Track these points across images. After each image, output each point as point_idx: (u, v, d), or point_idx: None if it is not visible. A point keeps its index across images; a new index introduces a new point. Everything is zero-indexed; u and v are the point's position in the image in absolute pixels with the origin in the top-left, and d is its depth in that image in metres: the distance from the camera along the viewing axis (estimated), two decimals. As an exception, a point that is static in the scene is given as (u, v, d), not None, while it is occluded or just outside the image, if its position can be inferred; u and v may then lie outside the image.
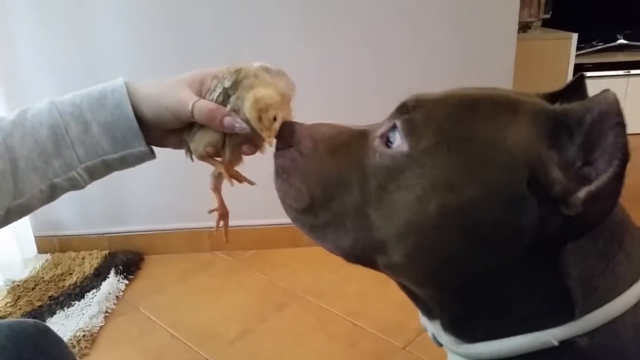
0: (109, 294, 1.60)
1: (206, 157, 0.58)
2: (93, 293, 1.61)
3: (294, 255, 1.83)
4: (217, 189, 0.61)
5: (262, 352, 1.36)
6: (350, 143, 0.45)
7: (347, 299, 1.57)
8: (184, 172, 1.86)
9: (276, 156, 0.50)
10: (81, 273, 1.72)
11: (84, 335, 1.41)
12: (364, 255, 0.44)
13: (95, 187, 1.97)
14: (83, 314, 1.51)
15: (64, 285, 1.66)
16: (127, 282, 1.70)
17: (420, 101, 0.41)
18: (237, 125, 0.54)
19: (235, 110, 0.54)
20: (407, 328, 1.41)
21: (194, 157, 0.59)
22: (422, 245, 0.39)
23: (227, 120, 0.54)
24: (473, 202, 0.36)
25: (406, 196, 0.38)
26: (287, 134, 0.49)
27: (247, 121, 0.53)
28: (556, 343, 0.36)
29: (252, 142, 0.57)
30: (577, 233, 0.36)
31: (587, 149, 0.34)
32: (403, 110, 0.41)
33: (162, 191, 1.87)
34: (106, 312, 1.54)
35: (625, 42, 2.86)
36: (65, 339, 1.37)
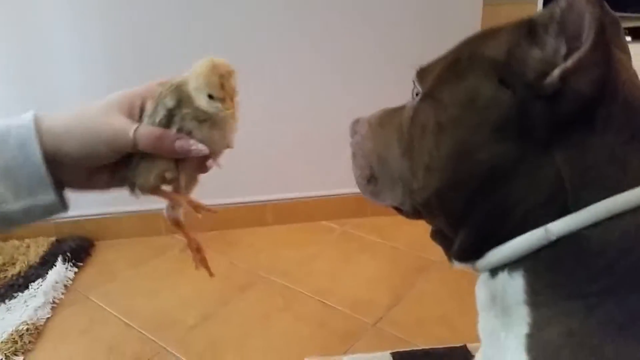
0: (56, 283, 1.47)
1: (158, 189, 0.50)
2: (38, 283, 1.48)
3: (256, 235, 1.75)
4: (178, 223, 0.54)
5: (225, 338, 1.27)
6: (394, 115, 0.51)
7: (313, 277, 1.50)
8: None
9: (350, 147, 0.57)
10: (25, 262, 1.59)
11: (27, 329, 1.28)
12: (410, 202, 0.48)
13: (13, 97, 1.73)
14: (27, 305, 1.38)
15: (5, 276, 1.53)
16: (76, 269, 1.58)
17: (428, 63, 0.48)
18: (193, 147, 0.47)
19: (183, 131, 0.47)
20: (377, 304, 1.37)
21: (138, 193, 0.51)
22: (446, 165, 0.42)
23: (179, 144, 0.47)
24: (462, 114, 0.40)
25: (424, 132, 0.44)
26: (353, 125, 0.58)
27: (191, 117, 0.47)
28: (553, 237, 0.36)
29: (207, 157, 0.50)
30: (567, 112, 0.36)
31: (568, 35, 0.35)
32: (416, 72, 0.48)
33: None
34: (53, 302, 1.41)
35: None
36: (5, 335, 1.26)
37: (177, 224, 0.54)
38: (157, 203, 1.77)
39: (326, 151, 1.79)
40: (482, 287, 0.44)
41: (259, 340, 1.26)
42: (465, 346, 1.19)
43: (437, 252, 0.50)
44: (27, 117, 0.47)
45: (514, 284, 0.39)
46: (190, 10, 1.61)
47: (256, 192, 1.81)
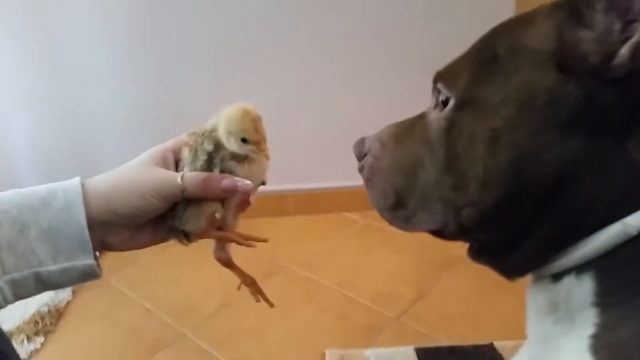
0: (78, 266, 1.47)
1: (208, 232, 0.52)
2: (60, 266, 1.48)
3: (278, 225, 1.73)
4: (229, 263, 0.56)
5: (245, 327, 1.26)
6: (413, 128, 0.47)
7: (335, 269, 1.48)
8: (162, 125, 1.78)
9: (360, 171, 0.51)
10: (47, 245, 1.59)
11: (49, 311, 1.29)
12: (457, 222, 0.43)
13: (61, 145, 1.83)
14: (48, 288, 1.38)
15: (27, 258, 1.53)
16: (98, 254, 1.57)
17: (448, 64, 0.44)
18: (239, 184, 0.49)
19: (224, 172, 0.50)
20: (400, 298, 1.33)
21: (190, 240, 0.53)
22: (506, 175, 0.38)
23: (226, 182, 0.49)
24: (520, 115, 0.37)
25: (471, 142, 0.39)
26: (358, 148, 0.53)
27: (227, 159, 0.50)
28: (633, 231, 0.34)
29: (248, 193, 0.52)
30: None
31: (618, 9, 0.32)
32: (438, 77, 0.44)
33: (136, 151, 1.73)
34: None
35: None
36: (27, 316, 1.26)
37: (228, 264, 0.56)
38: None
39: (349, 141, 1.75)
40: (540, 293, 0.41)
41: (279, 330, 1.24)
42: (492, 344, 1.15)
43: (462, 247, 0.48)
44: (74, 181, 0.48)
45: (582, 287, 0.37)
46: (212, 10, 1.59)
47: (277, 182, 1.79)
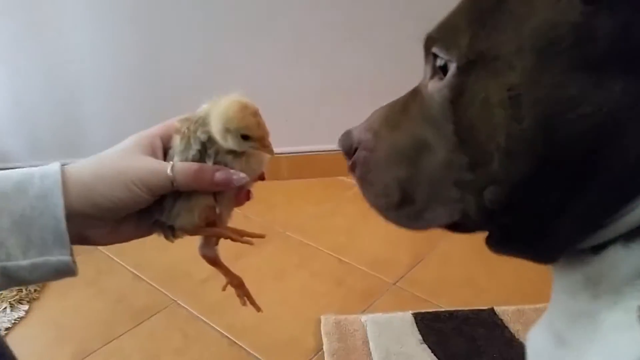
0: (63, 232, 1.42)
1: (201, 228, 0.48)
2: (44, 231, 1.43)
3: (271, 189, 1.67)
4: (216, 261, 0.52)
5: (238, 292, 1.22)
6: (407, 108, 0.41)
7: (331, 234, 1.43)
8: (144, 94, 1.73)
9: (351, 170, 0.44)
10: (31, 210, 1.54)
11: (32, 278, 1.24)
12: (479, 207, 0.36)
13: (45, 112, 1.77)
14: (33, 254, 1.33)
15: (11, 224, 1.48)
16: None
17: (441, 23, 0.37)
18: (234, 177, 0.45)
19: (219, 164, 0.46)
20: (398, 263, 1.30)
21: (177, 236, 0.48)
22: (534, 141, 0.32)
23: (219, 175, 0.45)
24: (542, 64, 0.31)
25: (486, 108, 0.33)
26: (345, 142, 0.44)
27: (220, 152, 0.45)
28: None
29: (243, 187, 0.48)
30: None
31: None
32: (430, 41, 0.38)
33: (124, 116, 1.67)
34: (60, 251, 1.36)
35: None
36: (10, 282, 1.22)
37: (214, 262, 0.52)
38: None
39: (346, 102, 1.69)
40: (575, 267, 0.36)
41: (274, 296, 1.20)
42: (492, 309, 1.12)
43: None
44: (52, 168, 0.43)
45: (631, 256, 0.32)
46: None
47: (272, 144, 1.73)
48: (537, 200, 0.34)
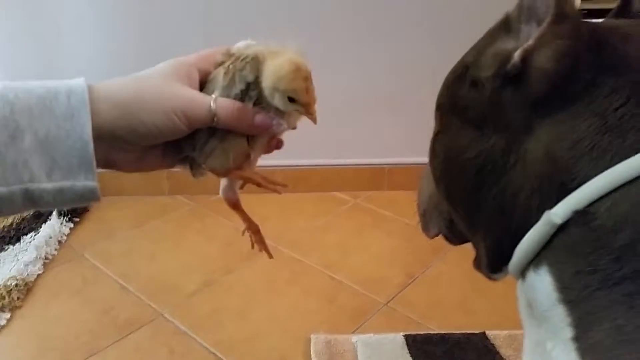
0: (50, 238, 1.39)
1: (231, 171, 0.47)
2: (31, 237, 1.40)
3: (265, 202, 1.65)
4: (236, 205, 0.52)
5: (227, 307, 1.19)
6: None
7: (323, 250, 1.42)
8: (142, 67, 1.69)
9: None
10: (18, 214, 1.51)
11: (16, 285, 1.21)
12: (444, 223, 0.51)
13: None
14: (17, 259, 1.31)
15: (-4, 227, 1.45)
16: (72, 225, 1.49)
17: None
18: (274, 122, 0.45)
19: (259, 107, 0.45)
20: (390, 282, 1.28)
21: (203, 174, 0.47)
22: (443, 173, 0.44)
23: (260, 118, 0.44)
24: (449, 118, 0.42)
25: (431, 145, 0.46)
26: None
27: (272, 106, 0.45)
28: (558, 221, 0.33)
29: (274, 135, 0.48)
30: (538, 91, 0.35)
31: (537, 19, 0.35)
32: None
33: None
34: (46, 258, 1.34)
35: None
36: (-6, 288, 1.18)
37: (235, 206, 0.51)
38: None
39: (343, 119, 1.68)
40: (519, 293, 0.40)
41: (263, 312, 1.18)
42: (484, 333, 1.10)
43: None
44: (78, 84, 0.40)
45: (543, 281, 0.35)
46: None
47: (265, 156, 1.71)
48: (462, 221, 0.44)
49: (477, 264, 0.45)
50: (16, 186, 0.37)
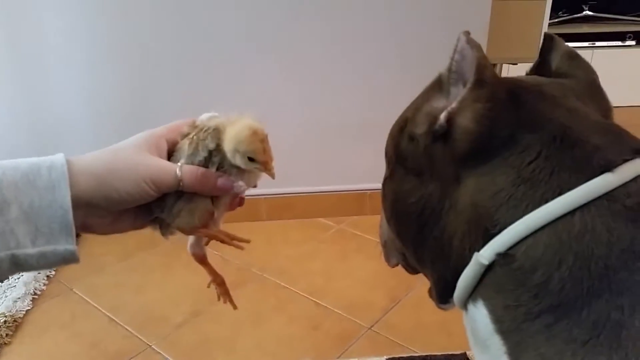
0: (38, 273, 1.41)
1: (197, 229, 0.51)
2: (19, 273, 1.41)
3: (250, 230, 1.68)
4: (204, 259, 0.56)
5: (215, 337, 1.22)
6: None
7: (308, 276, 1.45)
8: (127, 129, 1.72)
9: None
10: (6, 250, 1.52)
11: (5, 322, 1.22)
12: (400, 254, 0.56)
13: (25, 145, 1.76)
14: (6, 296, 1.32)
15: (-15, 265, 1.46)
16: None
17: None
18: (234, 185, 0.50)
19: (221, 171, 0.50)
20: (374, 307, 1.31)
21: (172, 233, 0.52)
22: (390, 214, 0.49)
23: (222, 181, 0.49)
24: (395, 167, 0.46)
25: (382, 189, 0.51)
26: None
27: (231, 166, 0.50)
28: (485, 261, 0.37)
29: (237, 194, 0.52)
30: (462, 147, 0.39)
31: (463, 81, 0.38)
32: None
33: (100, 135, 1.68)
34: (34, 293, 1.35)
35: (590, 13, 2.82)
36: (-18, 326, 1.20)
37: (202, 260, 0.55)
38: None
39: (325, 145, 1.73)
40: (465, 323, 0.43)
41: (250, 340, 1.21)
42: (465, 354, 1.14)
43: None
44: (59, 160, 0.45)
45: (481, 314, 0.38)
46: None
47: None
48: (410, 255, 0.48)
49: (430, 293, 0.48)
50: (3, 252, 0.42)
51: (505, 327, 0.36)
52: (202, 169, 0.48)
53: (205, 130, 0.49)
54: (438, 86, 0.41)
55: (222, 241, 0.53)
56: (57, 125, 1.66)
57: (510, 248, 0.36)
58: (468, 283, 0.39)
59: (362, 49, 1.65)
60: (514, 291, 0.36)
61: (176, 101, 1.66)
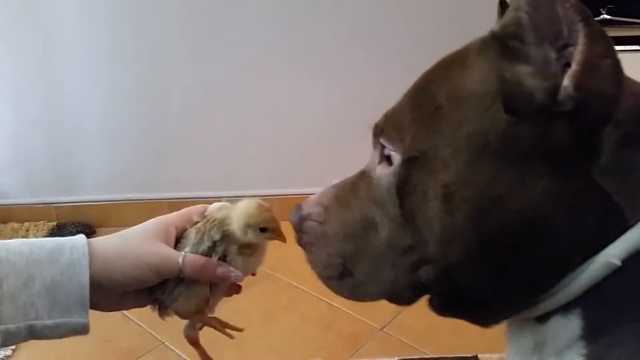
0: (54, 269, 1.43)
1: (192, 314, 0.54)
2: (35, 268, 1.44)
3: (262, 230, 1.70)
4: (196, 342, 0.57)
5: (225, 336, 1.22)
6: (356, 188, 0.45)
7: (320, 276, 1.45)
8: (139, 136, 1.76)
9: (297, 240, 0.49)
10: (23, 246, 1.54)
11: (21, 316, 1.24)
12: (411, 283, 0.40)
13: (41, 150, 1.80)
14: (22, 291, 1.34)
15: (2, 260, 1.48)
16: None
17: (387, 115, 0.42)
18: (232, 274, 0.52)
19: (221, 259, 0.52)
20: (385, 308, 1.29)
21: (169, 315, 0.55)
22: (465, 232, 0.36)
23: (220, 271, 0.52)
24: (473, 165, 0.35)
25: (425, 199, 0.37)
26: (296, 214, 0.48)
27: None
28: (617, 262, 0.32)
29: (235, 282, 0.55)
30: (596, 121, 0.32)
31: (549, 38, 0.31)
32: (378, 130, 0.42)
33: (116, 156, 1.71)
34: (50, 289, 1.37)
35: (608, 17, 2.79)
36: None
37: (195, 343, 0.57)
38: (162, 192, 1.73)
39: (335, 146, 1.74)
40: (524, 334, 0.39)
41: (262, 339, 1.21)
42: (476, 356, 1.14)
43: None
44: (80, 241, 0.49)
45: (570, 325, 0.35)
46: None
47: (263, 186, 1.76)
48: (472, 278, 0.37)
49: (471, 313, 0.41)
50: (23, 323, 0.45)
51: (598, 333, 0.34)
52: (203, 259, 0.51)
53: (212, 222, 0.52)
54: (502, 51, 0.34)
55: (215, 328, 0.56)
56: (73, 131, 1.69)
57: None
58: (577, 291, 0.34)
59: (380, 49, 1.66)
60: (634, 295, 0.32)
61: (192, 105, 1.68)
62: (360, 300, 0.44)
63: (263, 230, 0.51)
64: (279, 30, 1.63)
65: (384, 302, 1.41)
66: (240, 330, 0.58)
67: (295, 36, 1.64)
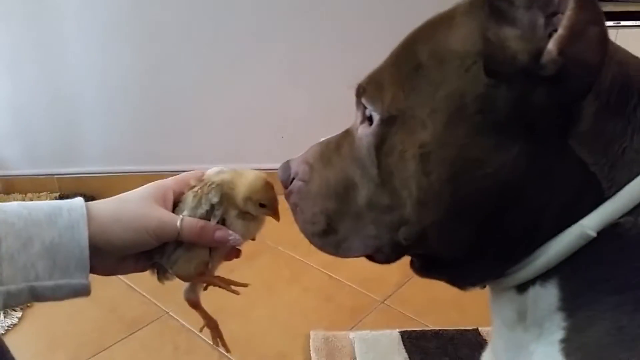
0: (58, 240, 1.43)
1: (194, 277, 0.54)
2: (39, 239, 1.45)
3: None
4: (197, 304, 0.57)
5: (230, 306, 1.22)
6: (340, 146, 0.45)
7: (322, 249, 1.46)
8: (140, 107, 1.75)
9: (286, 198, 0.49)
10: (27, 217, 1.55)
11: (26, 285, 1.25)
12: (391, 241, 0.41)
13: (42, 121, 1.79)
14: (27, 261, 1.35)
15: (6, 230, 1.49)
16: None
17: (370, 75, 0.42)
18: (230, 238, 0.52)
19: (220, 223, 0.52)
20: (387, 281, 1.32)
21: (169, 279, 0.55)
22: (441, 194, 0.36)
23: (219, 234, 0.52)
24: (450, 127, 0.34)
25: (402, 160, 0.37)
26: (284, 172, 0.49)
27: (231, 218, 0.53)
28: (592, 233, 0.32)
29: (234, 246, 0.55)
30: (577, 88, 0.31)
31: (539, 2, 0.31)
32: (360, 90, 0.42)
33: (118, 128, 1.70)
34: (54, 259, 1.38)
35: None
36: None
37: (196, 306, 0.57)
38: (165, 164, 1.73)
39: (337, 120, 1.72)
40: (506, 304, 0.39)
41: (264, 310, 1.23)
42: (477, 329, 1.15)
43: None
44: (78, 202, 0.49)
45: (548, 294, 0.35)
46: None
47: (265, 160, 1.75)
48: (448, 240, 0.38)
49: (412, 265, 0.43)
50: (24, 284, 0.45)
51: (576, 305, 0.34)
52: (201, 222, 0.51)
53: (210, 185, 0.52)
54: (491, 12, 0.33)
55: (220, 286, 0.55)
56: (74, 102, 1.68)
57: (628, 214, 0.31)
58: (553, 260, 0.34)
59: (385, 18, 1.63)
60: (616, 265, 0.32)
61: (187, 80, 1.66)
62: (344, 256, 0.45)
63: (262, 205, 0.52)
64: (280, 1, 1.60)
65: (385, 276, 1.42)
66: (245, 285, 0.57)
67: (296, 8, 1.61)
